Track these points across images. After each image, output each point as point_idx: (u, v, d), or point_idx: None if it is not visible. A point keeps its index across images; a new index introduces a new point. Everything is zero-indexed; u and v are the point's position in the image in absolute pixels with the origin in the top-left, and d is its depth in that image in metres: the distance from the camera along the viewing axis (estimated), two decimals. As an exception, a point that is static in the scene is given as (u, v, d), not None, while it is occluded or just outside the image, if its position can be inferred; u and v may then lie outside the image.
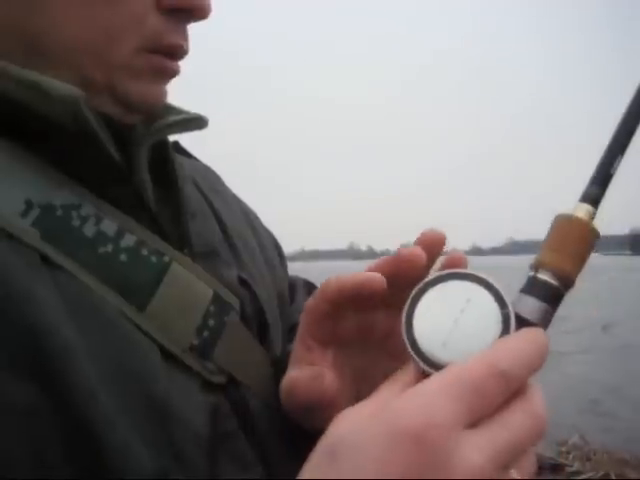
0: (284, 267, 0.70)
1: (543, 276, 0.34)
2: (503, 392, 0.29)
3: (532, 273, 0.35)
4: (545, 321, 0.34)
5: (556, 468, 3.68)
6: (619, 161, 0.35)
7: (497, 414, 0.30)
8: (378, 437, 0.28)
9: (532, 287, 0.35)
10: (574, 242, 0.35)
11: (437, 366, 0.31)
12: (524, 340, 0.31)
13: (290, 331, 0.68)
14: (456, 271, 0.33)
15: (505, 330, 0.31)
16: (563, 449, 3.98)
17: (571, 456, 3.86)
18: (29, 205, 0.39)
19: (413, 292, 0.33)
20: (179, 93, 0.49)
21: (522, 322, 0.33)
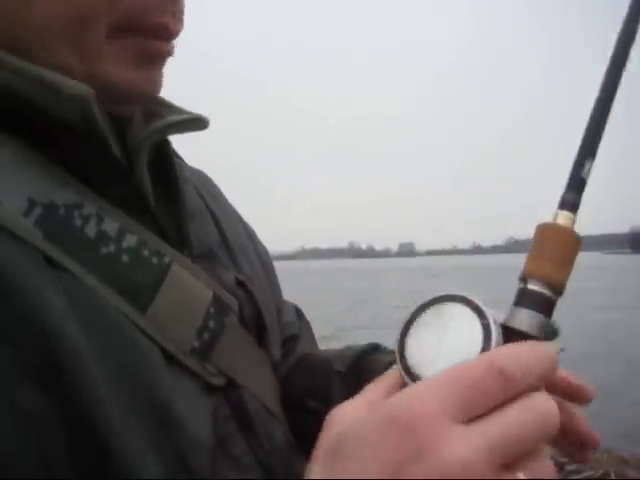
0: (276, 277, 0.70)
1: (534, 286, 0.34)
2: (502, 390, 0.28)
3: (522, 285, 0.35)
4: (542, 331, 0.34)
5: (555, 466, 3.67)
6: (591, 165, 0.35)
7: (494, 412, 0.29)
8: (373, 428, 0.28)
9: (524, 299, 0.34)
10: (559, 249, 0.35)
11: None
12: (523, 346, 0.31)
13: (282, 345, 0.66)
14: (448, 294, 0.34)
15: (486, 340, 0.32)
16: (563, 447, 3.97)
17: (571, 454, 3.85)
18: (32, 203, 0.38)
19: (407, 316, 0.34)
20: (164, 93, 0.48)
21: (521, 335, 0.33)
